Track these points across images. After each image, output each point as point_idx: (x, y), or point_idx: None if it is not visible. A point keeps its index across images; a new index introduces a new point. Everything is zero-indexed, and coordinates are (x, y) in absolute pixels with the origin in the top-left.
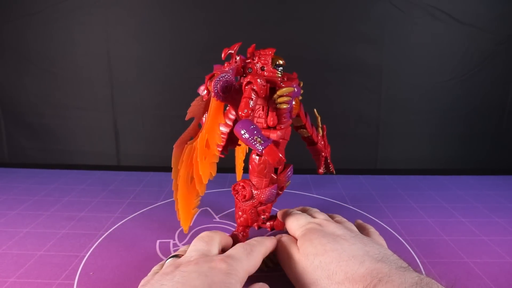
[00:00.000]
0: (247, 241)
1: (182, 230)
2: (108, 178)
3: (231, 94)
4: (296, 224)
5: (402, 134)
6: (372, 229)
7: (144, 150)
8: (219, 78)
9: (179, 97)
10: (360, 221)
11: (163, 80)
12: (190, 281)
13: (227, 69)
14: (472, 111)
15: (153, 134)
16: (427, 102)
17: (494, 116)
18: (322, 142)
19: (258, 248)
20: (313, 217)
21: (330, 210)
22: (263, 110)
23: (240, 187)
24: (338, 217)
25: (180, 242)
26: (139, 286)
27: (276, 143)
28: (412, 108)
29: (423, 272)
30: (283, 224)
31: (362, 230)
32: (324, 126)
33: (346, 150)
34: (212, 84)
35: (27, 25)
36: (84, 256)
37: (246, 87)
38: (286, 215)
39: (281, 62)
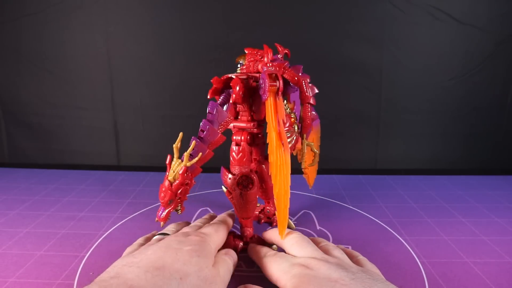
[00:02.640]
0: (216, 219)
1: None
2: (108, 178)
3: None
4: (277, 269)
5: (402, 134)
6: (360, 257)
7: (144, 150)
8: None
9: (179, 97)
10: (342, 247)
11: (163, 80)
12: (170, 244)
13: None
14: (472, 111)
15: (153, 134)
16: (427, 102)
17: (494, 116)
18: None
19: (222, 226)
20: (291, 254)
21: (330, 210)
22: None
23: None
24: (323, 242)
25: None
26: (124, 253)
27: None
28: (412, 108)
29: (423, 273)
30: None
31: (350, 257)
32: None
33: (346, 150)
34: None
35: (27, 25)
36: (84, 256)
37: None
38: (259, 258)
39: (240, 60)
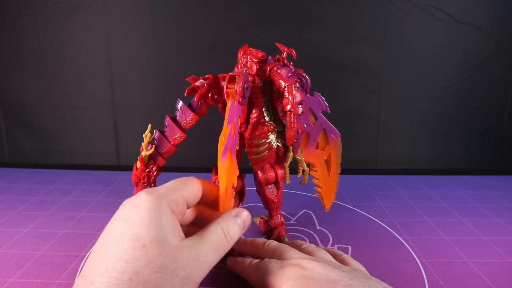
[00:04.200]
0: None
1: None
2: (108, 178)
3: None
4: (266, 273)
5: (402, 134)
6: (344, 255)
7: None
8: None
9: (179, 97)
10: (323, 247)
11: (163, 80)
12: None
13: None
14: (472, 111)
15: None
16: (427, 102)
17: (494, 116)
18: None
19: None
20: (278, 257)
21: (330, 210)
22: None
23: None
24: (305, 244)
25: None
26: None
27: None
28: (412, 108)
29: (423, 273)
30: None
31: (334, 256)
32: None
33: (346, 150)
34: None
35: (27, 25)
36: (84, 256)
37: None
38: (243, 268)
39: None
